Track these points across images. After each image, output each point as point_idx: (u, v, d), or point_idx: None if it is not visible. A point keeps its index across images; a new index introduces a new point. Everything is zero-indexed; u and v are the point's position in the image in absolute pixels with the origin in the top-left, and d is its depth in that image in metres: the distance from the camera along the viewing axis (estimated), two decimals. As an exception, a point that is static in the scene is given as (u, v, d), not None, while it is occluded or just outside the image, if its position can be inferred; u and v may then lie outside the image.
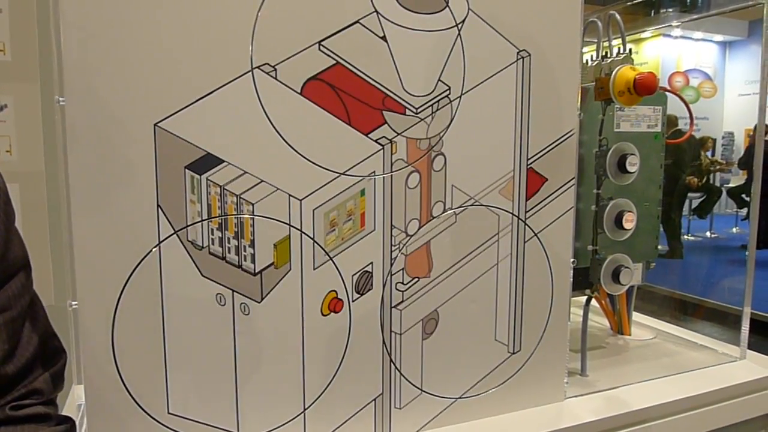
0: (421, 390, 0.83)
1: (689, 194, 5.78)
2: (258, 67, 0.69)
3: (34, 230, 0.62)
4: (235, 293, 0.71)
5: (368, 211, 0.77)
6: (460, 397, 0.86)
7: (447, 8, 0.77)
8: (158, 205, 0.67)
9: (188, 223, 0.69)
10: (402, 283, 0.80)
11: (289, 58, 0.70)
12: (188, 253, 0.69)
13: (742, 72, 8.02)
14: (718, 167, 6.18)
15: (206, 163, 0.68)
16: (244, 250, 0.71)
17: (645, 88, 0.89)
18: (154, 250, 0.68)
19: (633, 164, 0.95)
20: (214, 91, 0.67)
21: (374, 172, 0.76)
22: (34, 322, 0.61)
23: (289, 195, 0.72)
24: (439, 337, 0.84)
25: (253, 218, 0.71)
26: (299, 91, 0.71)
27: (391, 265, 0.79)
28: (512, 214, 0.86)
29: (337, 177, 0.74)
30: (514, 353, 0.89)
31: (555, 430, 0.86)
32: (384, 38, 0.75)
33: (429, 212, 0.81)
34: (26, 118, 1.23)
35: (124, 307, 0.67)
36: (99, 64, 0.63)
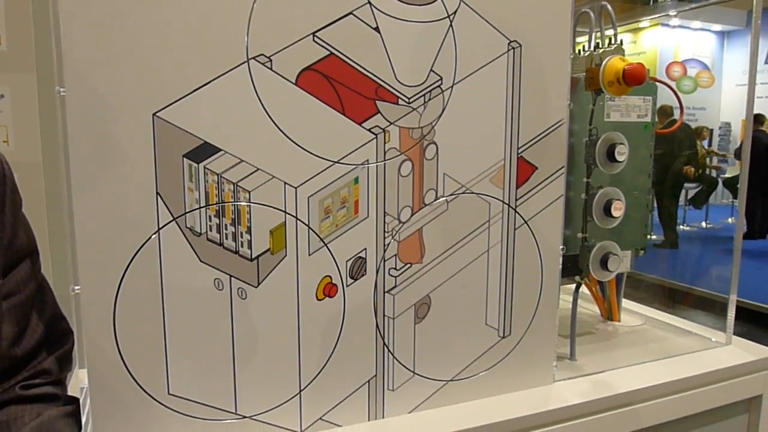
0: (414, 372, 0.86)
1: (685, 184, 5.80)
2: (254, 58, 0.71)
3: (32, 219, 0.64)
4: (232, 278, 0.74)
5: (362, 199, 0.79)
6: (451, 380, 0.89)
7: None
8: (157, 193, 0.69)
9: (186, 210, 0.71)
10: (395, 268, 0.82)
11: (284, 48, 0.72)
12: (187, 239, 0.71)
13: (740, 62, 8.01)
14: (713, 158, 6.21)
15: (204, 151, 0.70)
16: (241, 237, 0.73)
17: (634, 79, 0.91)
18: (153, 236, 0.70)
19: (622, 153, 0.97)
20: (211, 81, 0.69)
21: (367, 160, 0.78)
22: (41, 306, 0.64)
23: (285, 183, 0.74)
24: (431, 321, 0.86)
25: (249, 205, 0.73)
26: (294, 81, 0.73)
27: (384, 251, 0.81)
28: (503, 201, 0.88)
29: (332, 165, 0.76)
30: (504, 337, 0.92)
31: (543, 412, 0.89)
32: (377, 29, 0.76)
33: (421, 200, 0.83)
34: (23, 108, 1.24)
35: (125, 292, 0.69)
36: (99, 56, 0.65)
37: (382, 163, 0.79)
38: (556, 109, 0.90)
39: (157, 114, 0.68)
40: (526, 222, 0.90)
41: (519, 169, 0.88)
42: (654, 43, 7.64)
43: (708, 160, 6.26)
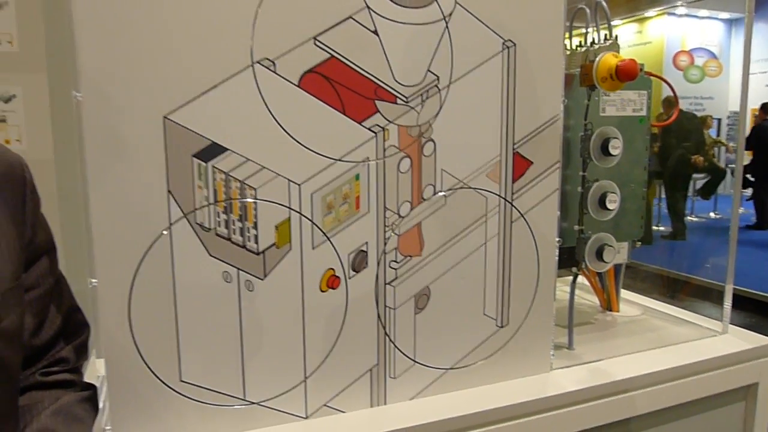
0: (414, 361, 0.90)
1: (694, 175, 5.76)
2: (258, 62, 0.74)
3: (45, 214, 0.68)
4: (240, 271, 0.77)
5: (363, 195, 0.82)
6: (450, 368, 0.92)
7: (435, 2, 0.82)
8: (169, 191, 0.73)
9: (196, 207, 0.75)
10: (395, 261, 0.86)
11: (287, 52, 0.75)
12: (197, 234, 0.75)
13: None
14: (720, 147, 6.16)
15: (212, 151, 0.74)
16: (248, 232, 0.77)
17: (626, 75, 0.93)
18: (165, 232, 0.74)
19: (616, 147, 1.00)
20: (218, 85, 0.73)
21: (368, 158, 0.81)
22: (59, 299, 0.68)
23: (289, 180, 0.78)
24: (431, 311, 0.90)
25: (255, 202, 0.77)
26: (297, 83, 0.76)
27: (385, 244, 0.85)
28: (499, 196, 0.91)
29: (334, 163, 0.80)
30: (501, 327, 0.95)
31: (540, 398, 0.92)
32: (375, 32, 0.79)
33: (420, 195, 0.86)
34: (35, 108, 1.28)
35: (139, 285, 0.73)
36: (112, 64, 0.69)
37: (382, 160, 0.82)
38: (551, 106, 0.93)
39: (168, 117, 0.71)
40: (522, 215, 0.93)
41: (514, 164, 0.91)
42: (660, 32, 7.57)
43: (716, 150, 6.22)
